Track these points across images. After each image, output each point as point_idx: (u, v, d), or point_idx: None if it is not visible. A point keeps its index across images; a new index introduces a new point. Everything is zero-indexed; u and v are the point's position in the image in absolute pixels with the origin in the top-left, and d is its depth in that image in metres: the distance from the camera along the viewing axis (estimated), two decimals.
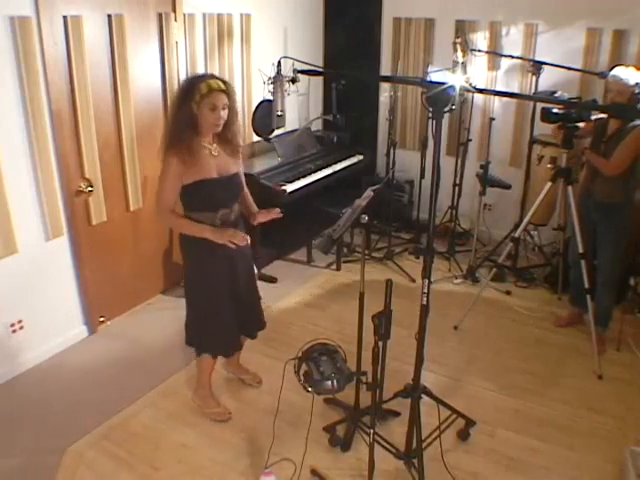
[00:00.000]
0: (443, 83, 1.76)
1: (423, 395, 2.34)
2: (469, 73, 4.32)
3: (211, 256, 2.41)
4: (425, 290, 1.99)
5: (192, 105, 2.23)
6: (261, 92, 4.24)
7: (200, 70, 3.76)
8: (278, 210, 2.54)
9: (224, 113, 2.29)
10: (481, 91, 3.08)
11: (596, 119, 3.09)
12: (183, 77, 3.55)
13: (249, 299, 2.67)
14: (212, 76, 2.32)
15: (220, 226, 2.38)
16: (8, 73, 2.73)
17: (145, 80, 3.44)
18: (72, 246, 3.23)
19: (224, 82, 2.28)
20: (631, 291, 3.70)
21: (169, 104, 2.38)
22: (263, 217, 2.56)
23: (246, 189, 2.62)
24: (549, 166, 3.84)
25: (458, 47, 3.99)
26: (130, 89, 3.32)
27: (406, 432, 2.29)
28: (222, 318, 2.54)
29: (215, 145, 2.38)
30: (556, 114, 3.00)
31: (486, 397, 2.91)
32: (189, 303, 2.57)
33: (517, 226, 3.89)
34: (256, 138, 4.38)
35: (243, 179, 2.56)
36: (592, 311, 3.15)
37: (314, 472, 2.40)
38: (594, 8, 3.95)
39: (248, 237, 2.31)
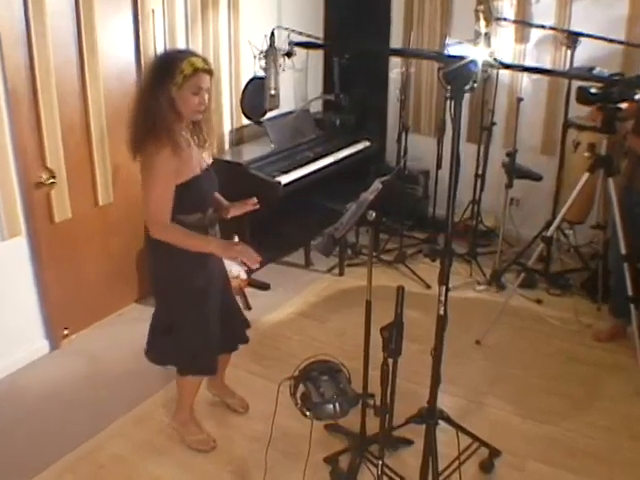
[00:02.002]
0: (463, 57, 1.76)
1: (440, 421, 2.34)
2: (493, 46, 4.32)
3: (203, 268, 2.45)
4: (442, 298, 2.00)
5: (171, 87, 2.20)
6: (251, 68, 4.24)
7: (181, 43, 3.76)
8: (254, 200, 2.58)
9: (207, 97, 2.29)
10: (507, 67, 3.09)
11: None
12: (159, 52, 3.55)
13: (230, 303, 2.72)
14: (192, 53, 2.31)
15: (209, 226, 2.42)
16: None
17: (116, 54, 3.45)
18: (31, 247, 3.23)
19: (205, 60, 2.28)
20: None
21: (139, 86, 2.29)
22: (237, 210, 2.60)
23: None
24: (587, 154, 3.84)
25: (481, 16, 3.99)
26: (99, 64, 3.32)
27: (420, 464, 2.28)
28: (213, 331, 2.57)
29: (189, 135, 2.38)
30: (595, 94, 3.00)
31: (513, 423, 2.91)
32: (176, 323, 2.56)
33: (549, 224, 3.89)
34: (245, 121, 4.38)
35: None
36: (636, 323, 3.15)
37: None
38: None
39: (259, 258, 2.29)
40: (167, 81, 2.19)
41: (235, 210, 2.61)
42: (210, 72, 2.27)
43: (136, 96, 2.32)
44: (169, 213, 2.27)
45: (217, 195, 2.63)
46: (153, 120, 2.21)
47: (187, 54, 2.27)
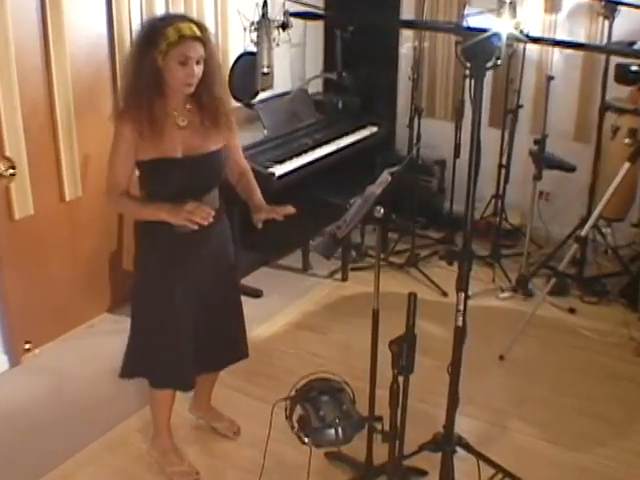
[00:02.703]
0: (485, 30, 1.77)
1: (458, 448, 2.35)
2: (519, 16, 4.32)
3: (172, 255, 2.46)
4: (461, 307, 2.00)
5: (156, 56, 2.23)
6: (241, 42, 4.24)
7: (159, 12, 3.76)
8: (291, 208, 2.52)
9: (198, 68, 2.30)
10: (536, 40, 3.08)
11: None
12: (138, 21, 3.55)
13: (221, 317, 2.69)
14: (183, 17, 2.33)
15: (182, 228, 2.38)
16: None
17: (85, 26, 3.45)
18: None
19: (199, 26, 2.29)
20: None
21: (127, 55, 2.39)
22: (269, 214, 2.55)
23: (246, 169, 2.72)
24: (627, 141, 3.85)
25: None
26: (65, 38, 3.32)
27: None
28: (180, 340, 2.56)
29: (186, 112, 2.39)
30: (636, 72, 3.00)
31: (541, 450, 2.91)
32: (135, 318, 2.62)
33: (584, 222, 3.89)
34: (235, 103, 4.38)
35: (236, 157, 2.67)
36: None
37: None
38: None
39: (212, 212, 2.28)
40: (151, 49, 2.24)
41: (267, 213, 2.55)
42: (201, 39, 2.28)
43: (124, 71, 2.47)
44: (124, 185, 2.39)
45: (252, 185, 2.68)
46: (127, 93, 2.33)
47: (176, 19, 2.29)
